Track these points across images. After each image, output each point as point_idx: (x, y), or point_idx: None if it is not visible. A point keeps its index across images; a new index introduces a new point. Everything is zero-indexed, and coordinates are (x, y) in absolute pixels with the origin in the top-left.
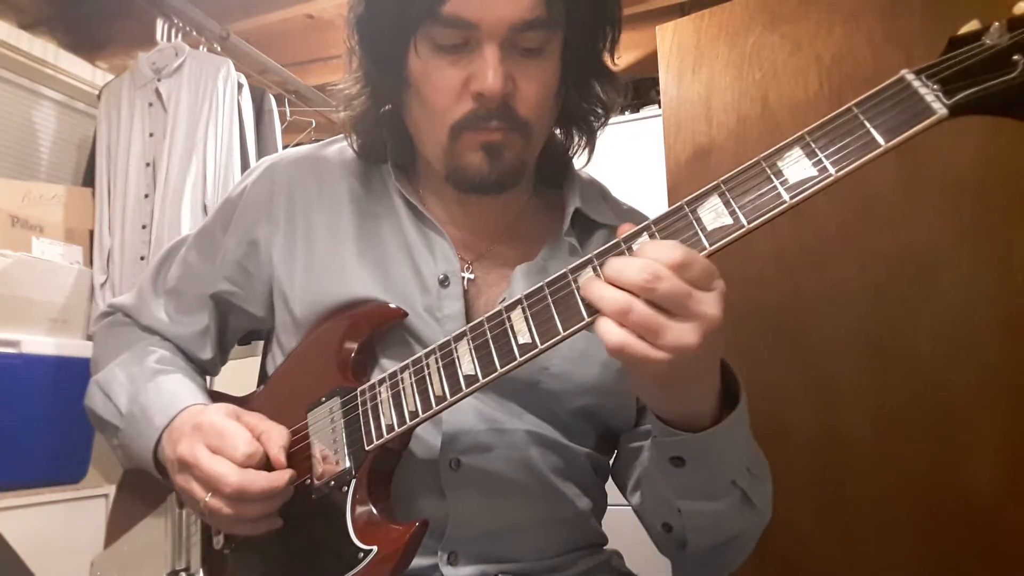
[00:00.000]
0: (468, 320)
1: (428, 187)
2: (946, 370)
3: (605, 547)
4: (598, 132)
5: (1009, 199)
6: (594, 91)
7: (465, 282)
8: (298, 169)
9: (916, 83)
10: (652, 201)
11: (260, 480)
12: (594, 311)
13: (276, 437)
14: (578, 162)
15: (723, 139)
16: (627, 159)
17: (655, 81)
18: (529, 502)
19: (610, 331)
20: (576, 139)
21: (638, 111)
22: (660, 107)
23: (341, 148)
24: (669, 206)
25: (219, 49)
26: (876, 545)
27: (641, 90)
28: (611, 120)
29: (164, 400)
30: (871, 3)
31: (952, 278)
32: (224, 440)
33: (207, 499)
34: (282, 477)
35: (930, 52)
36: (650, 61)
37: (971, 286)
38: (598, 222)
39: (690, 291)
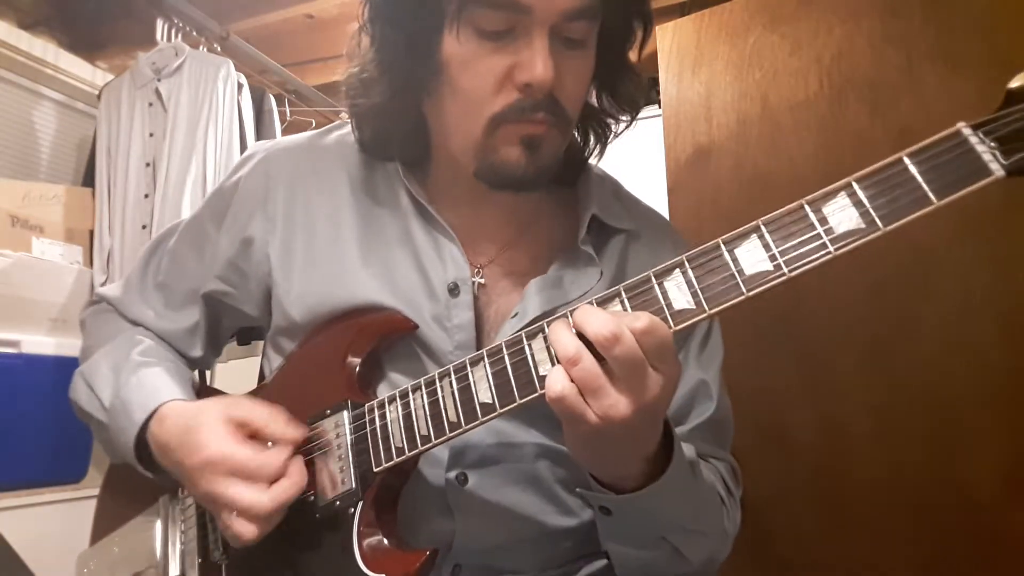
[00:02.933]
0: (478, 329)
1: (438, 187)
2: (946, 369)
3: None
4: (620, 132)
5: (1009, 198)
6: (621, 89)
7: (475, 288)
8: (296, 161)
9: (973, 139)
10: (652, 201)
11: (285, 495)
12: None
13: (290, 436)
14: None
15: (723, 139)
16: (627, 159)
17: (655, 81)
18: (535, 515)
19: (556, 379)
20: (592, 139)
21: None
22: (660, 107)
23: (340, 138)
24: (669, 206)
25: (219, 49)
26: (875, 544)
27: None
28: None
29: (144, 394)
30: (871, 3)
31: (952, 277)
32: (242, 469)
33: (233, 522)
34: (300, 482)
35: (931, 52)
36: (650, 61)
37: (971, 285)
38: (613, 227)
39: (644, 361)
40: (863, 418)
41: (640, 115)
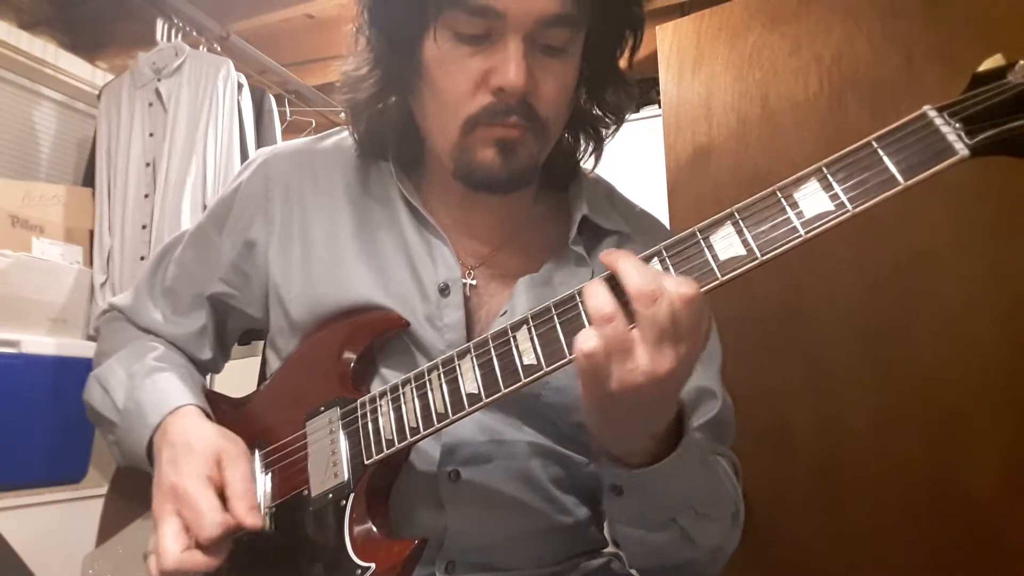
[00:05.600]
0: (468, 329)
1: (431, 188)
2: (946, 370)
3: (604, 550)
4: (607, 139)
5: (1008, 198)
6: (607, 96)
7: (467, 288)
8: (294, 164)
9: (938, 121)
10: (652, 201)
11: (186, 566)
12: None
13: (245, 501)
14: (585, 166)
15: (723, 139)
16: (627, 159)
17: (655, 81)
18: (528, 513)
19: (587, 336)
20: (584, 144)
21: (638, 111)
22: (660, 107)
23: (337, 142)
24: (669, 206)
25: (219, 49)
26: (875, 544)
27: (641, 90)
28: None
29: (157, 398)
30: (871, 3)
31: (951, 278)
32: (195, 517)
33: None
34: (205, 565)
35: (930, 52)
36: (650, 61)
37: (970, 286)
38: (606, 228)
39: (671, 328)
40: (864, 419)
41: (640, 115)
